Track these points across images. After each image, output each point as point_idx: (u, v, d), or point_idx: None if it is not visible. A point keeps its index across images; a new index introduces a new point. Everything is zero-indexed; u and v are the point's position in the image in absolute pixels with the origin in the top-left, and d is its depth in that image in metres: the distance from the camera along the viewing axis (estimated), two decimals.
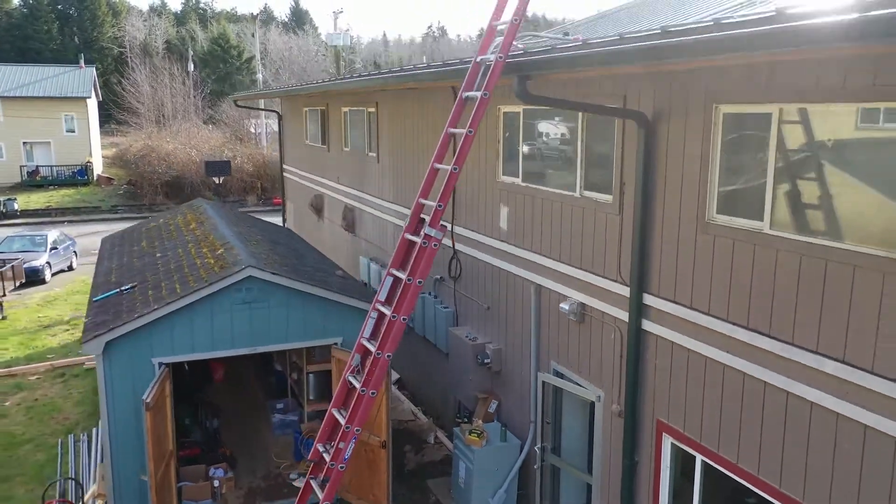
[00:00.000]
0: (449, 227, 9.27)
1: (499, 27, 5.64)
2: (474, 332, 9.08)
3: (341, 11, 70.07)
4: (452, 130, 5.59)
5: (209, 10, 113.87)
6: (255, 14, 64.90)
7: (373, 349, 5.44)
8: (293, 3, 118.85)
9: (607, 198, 6.51)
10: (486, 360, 8.58)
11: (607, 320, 6.58)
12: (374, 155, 12.38)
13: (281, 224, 19.01)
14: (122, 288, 8.15)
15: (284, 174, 19.45)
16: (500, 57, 5.36)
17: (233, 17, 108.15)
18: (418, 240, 5.41)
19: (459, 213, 9.31)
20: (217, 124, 50.12)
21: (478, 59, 5.59)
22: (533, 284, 7.72)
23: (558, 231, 7.29)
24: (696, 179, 5.44)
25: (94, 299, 8.18)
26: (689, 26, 4.90)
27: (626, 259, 6.23)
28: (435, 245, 5.32)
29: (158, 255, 9.44)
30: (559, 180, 7.34)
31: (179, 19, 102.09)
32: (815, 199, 4.65)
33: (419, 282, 5.31)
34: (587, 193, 6.82)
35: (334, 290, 8.05)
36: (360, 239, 13.54)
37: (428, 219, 5.45)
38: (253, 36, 61.82)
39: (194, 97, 53.87)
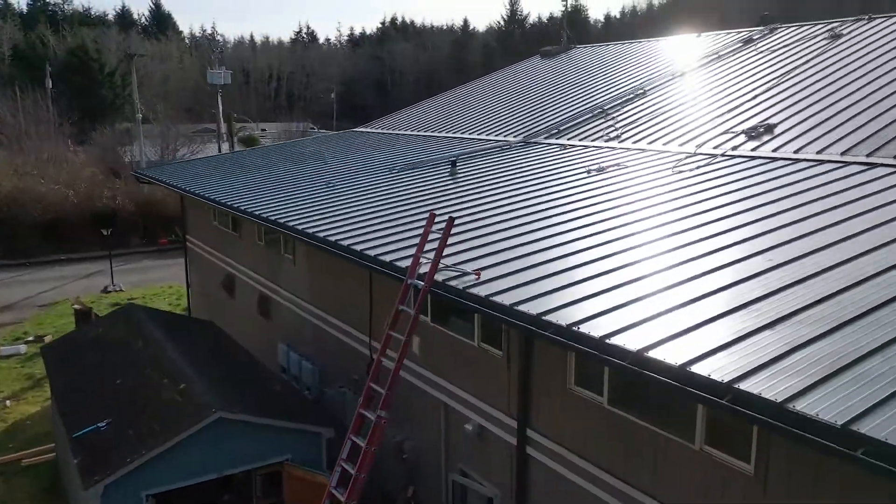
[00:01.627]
0: (368, 339, 11.39)
1: (422, 259, 7.85)
2: (394, 430, 11.26)
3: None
4: (392, 333, 7.79)
5: (60, 12, 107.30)
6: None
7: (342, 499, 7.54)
8: (152, 6, 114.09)
9: (498, 352, 8.91)
10: (404, 456, 10.78)
11: (501, 442, 8.99)
12: (291, 257, 14.16)
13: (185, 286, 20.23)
14: (99, 425, 9.64)
15: (188, 244, 20.59)
16: (427, 286, 7.58)
17: (87, 20, 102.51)
18: (373, 416, 7.56)
19: (379, 331, 11.41)
20: (85, 146, 48.30)
21: (409, 282, 7.79)
22: (442, 403, 10.01)
23: (463, 366, 9.62)
24: (562, 356, 7.91)
25: (74, 436, 9.61)
26: None
27: (514, 399, 8.66)
28: (384, 422, 7.50)
29: (118, 381, 10.88)
30: (462, 329, 9.64)
31: (26, 21, 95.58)
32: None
33: (374, 449, 7.46)
34: (483, 345, 9.19)
35: (286, 417, 9.98)
36: (276, 325, 15.26)
37: (380, 401, 7.61)
38: (127, 57, 58.93)
39: (56, 119, 50.92)
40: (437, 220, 8.19)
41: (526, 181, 12.09)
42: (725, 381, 5.04)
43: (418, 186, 12.88)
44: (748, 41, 18.67)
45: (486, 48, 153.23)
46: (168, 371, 10.78)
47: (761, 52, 17.45)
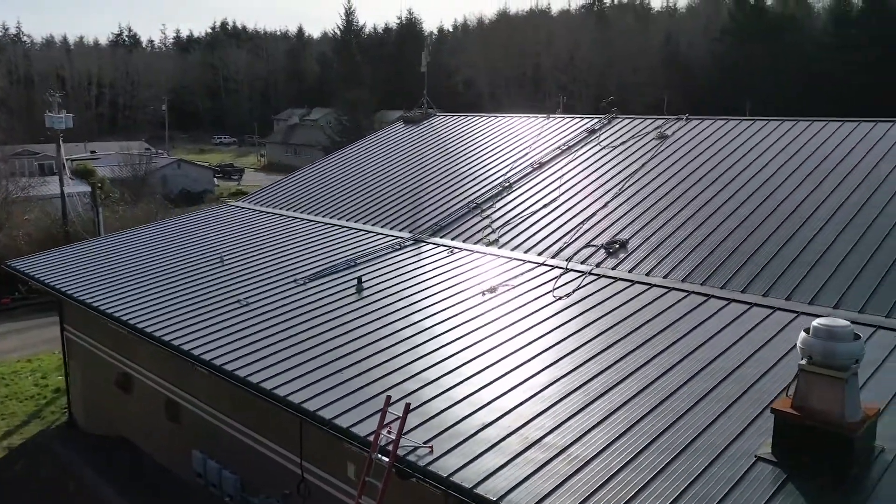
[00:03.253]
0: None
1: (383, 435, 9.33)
2: None
3: None
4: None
5: None
6: None
7: None
8: None
9: None
10: None
11: None
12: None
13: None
14: None
15: (67, 334, 20.13)
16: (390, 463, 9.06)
17: None
18: None
19: (309, 449, 12.60)
20: None
21: (372, 456, 9.24)
22: None
23: None
24: None
25: None
26: None
27: None
28: None
29: None
30: None
31: None
32: None
33: None
34: None
35: None
36: (189, 431, 15.76)
37: None
38: None
39: None
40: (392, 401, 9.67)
41: (432, 307, 13.69)
42: None
43: (335, 316, 13.74)
44: (592, 131, 21.62)
45: (322, 57, 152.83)
46: None
47: (604, 145, 20.39)
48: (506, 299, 13.50)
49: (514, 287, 13.98)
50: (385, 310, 13.67)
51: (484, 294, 13.73)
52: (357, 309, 13.87)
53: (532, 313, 12.81)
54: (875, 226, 13.55)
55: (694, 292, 12.89)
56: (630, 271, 14.07)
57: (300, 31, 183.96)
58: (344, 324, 13.23)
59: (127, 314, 14.75)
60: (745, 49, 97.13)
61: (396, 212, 19.76)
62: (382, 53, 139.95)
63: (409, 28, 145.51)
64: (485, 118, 26.29)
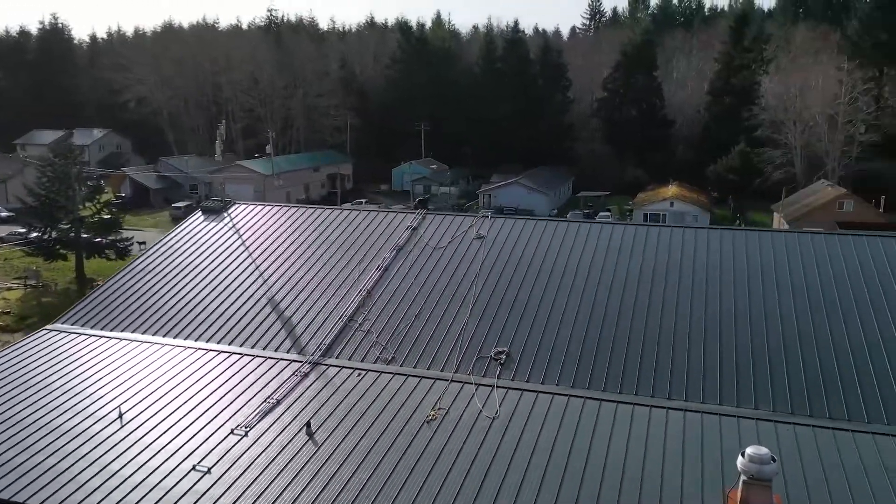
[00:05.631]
0: None
1: None
2: None
3: None
4: None
5: None
6: None
7: None
8: None
9: None
10: None
11: None
12: None
13: None
14: None
15: None
16: None
17: None
18: None
19: None
20: None
21: None
22: None
23: None
24: None
25: None
26: None
27: None
28: None
29: None
30: None
31: None
32: None
33: None
34: None
35: None
36: None
37: None
38: None
39: None
40: None
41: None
42: None
43: None
44: (413, 229, 24.69)
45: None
46: None
47: (433, 247, 23.63)
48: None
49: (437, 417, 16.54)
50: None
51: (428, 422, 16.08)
52: None
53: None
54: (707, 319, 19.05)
55: (573, 395, 16.94)
56: (527, 381, 17.63)
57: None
58: None
59: None
60: (413, 77, 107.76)
61: (269, 329, 20.47)
62: (20, 62, 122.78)
63: (55, 34, 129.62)
64: (286, 209, 27.52)
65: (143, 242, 59.18)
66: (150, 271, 23.95)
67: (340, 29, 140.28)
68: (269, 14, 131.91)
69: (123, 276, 23.94)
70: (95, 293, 23.25)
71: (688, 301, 19.67)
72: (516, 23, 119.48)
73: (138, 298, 22.53)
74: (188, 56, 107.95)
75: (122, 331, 21.09)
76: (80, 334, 21.04)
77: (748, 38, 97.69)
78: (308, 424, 15.88)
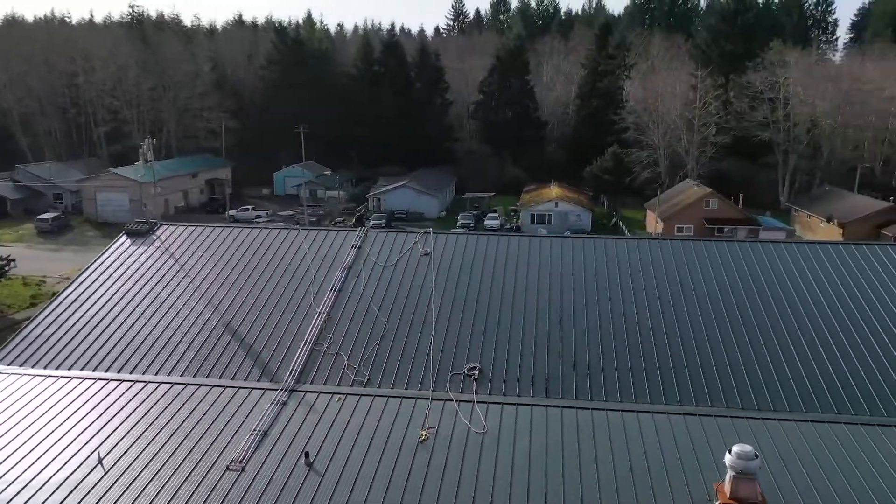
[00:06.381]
0: None
1: None
2: None
3: None
4: None
5: None
6: None
7: None
8: None
9: None
10: None
11: None
12: None
13: None
14: None
15: None
16: None
17: None
18: None
19: None
20: None
21: None
22: None
23: None
24: None
25: None
26: None
27: None
28: None
29: None
30: None
31: None
32: None
33: None
34: None
35: None
36: None
37: None
38: None
39: None
40: None
41: None
42: None
43: None
44: (357, 247, 25.02)
45: None
46: None
47: (382, 265, 24.11)
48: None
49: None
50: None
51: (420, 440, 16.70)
52: None
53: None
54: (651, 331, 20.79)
55: (550, 406, 18.20)
56: (503, 395, 18.64)
57: None
58: None
59: None
60: (290, 78, 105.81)
61: (233, 357, 20.13)
62: None
63: None
64: (217, 230, 26.87)
65: (13, 260, 54.70)
66: (84, 302, 22.72)
67: (207, 27, 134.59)
68: (131, 10, 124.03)
69: (53, 309, 22.55)
70: (27, 329, 21.75)
71: (633, 310, 21.49)
72: (392, 25, 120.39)
73: (78, 333, 21.35)
74: (40, 53, 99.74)
75: (67, 368, 19.98)
76: (23, 374, 19.71)
77: (612, 45, 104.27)
78: (306, 454, 16.01)
